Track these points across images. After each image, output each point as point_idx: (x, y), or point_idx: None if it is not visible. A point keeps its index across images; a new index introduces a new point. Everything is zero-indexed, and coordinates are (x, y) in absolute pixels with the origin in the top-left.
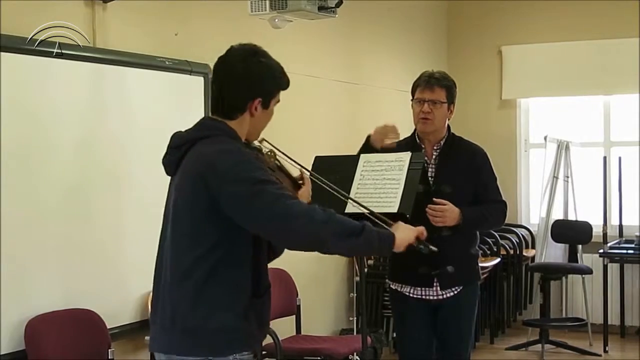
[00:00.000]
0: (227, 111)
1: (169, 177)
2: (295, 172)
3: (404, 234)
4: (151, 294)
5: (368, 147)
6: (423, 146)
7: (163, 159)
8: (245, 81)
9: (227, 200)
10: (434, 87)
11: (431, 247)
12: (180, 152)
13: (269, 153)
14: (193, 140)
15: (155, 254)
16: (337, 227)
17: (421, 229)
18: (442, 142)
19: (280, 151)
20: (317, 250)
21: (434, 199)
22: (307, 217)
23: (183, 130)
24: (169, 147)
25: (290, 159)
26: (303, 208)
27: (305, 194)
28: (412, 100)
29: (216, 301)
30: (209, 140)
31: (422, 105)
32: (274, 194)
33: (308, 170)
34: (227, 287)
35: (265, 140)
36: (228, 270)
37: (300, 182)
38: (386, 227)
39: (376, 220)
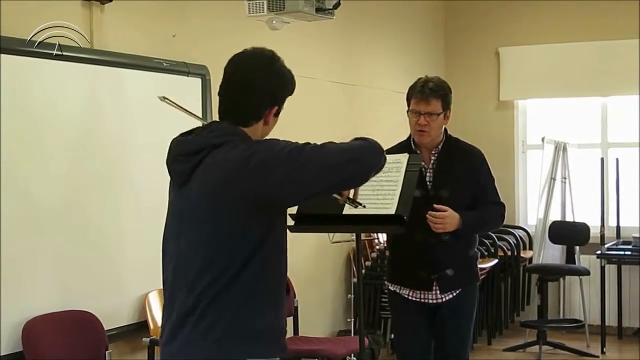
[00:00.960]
0: (242, 118)
1: (166, 182)
2: None
3: None
4: (162, 312)
5: None
6: (419, 152)
7: (171, 167)
8: (265, 91)
9: (283, 181)
10: (429, 99)
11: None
12: (195, 159)
13: None
14: (209, 147)
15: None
16: (368, 143)
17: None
18: (439, 147)
19: None
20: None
21: (435, 205)
22: (357, 152)
23: (179, 134)
24: (178, 154)
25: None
26: (347, 147)
27: None
28: (407, 109)
29: (263, 301)
30: (226, 147)
31: (418, 117)
32: (322, 149)
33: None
34: (271, 289)
35: None
36: (271, 271)
37: None
38: None
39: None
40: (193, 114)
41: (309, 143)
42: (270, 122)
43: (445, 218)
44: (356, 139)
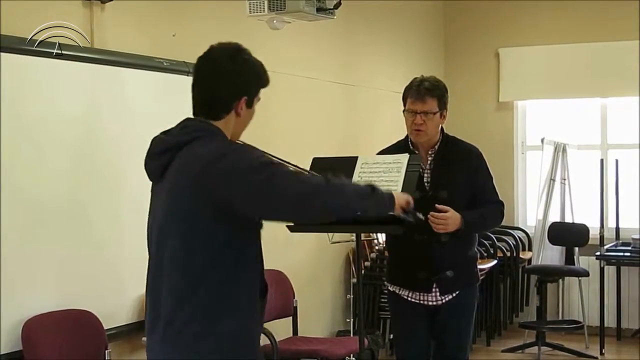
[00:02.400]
0: (213, 111)
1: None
2: None
3: (399, 194)
4: (147, 305)
5: None
6: (417, 151)
7: (146, 165)
8: (232, 81)
9: (242, 194)
10: (425, 98)
11: (418, 214)
12: (167, 157)
13: None
14: (181, 144)
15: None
16: (353, 191)
17: (409, 197)
18: (436, 147)
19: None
20: (339, 216)
21: (436, 205)
22: (325, 190)
23: (161, 133)
24: (151, 152)
25: (278, 158)
26: (320, 181)
27: None
28: (403, 109)
29: (229, 305)
30: (197, 143)
31: (414, 117)
32: (287, 175)
33: (305, 170)
34: (241, 290)
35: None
36: (241, 271)
37: None
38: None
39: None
40: None
41: (281, 163)
42: (243, 114)
43: (447, 219)
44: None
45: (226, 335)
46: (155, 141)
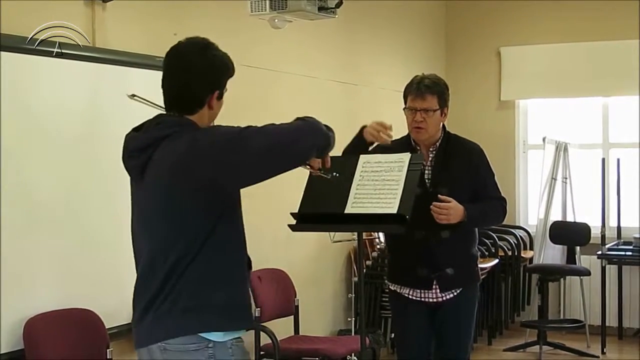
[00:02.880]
0: (187, 107)
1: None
2: None
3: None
4: (135, 294)
5: (360, 138)
6: (418, 148)
7: (125, 163)
8: (204, 76)
9: (224, 169)
10: (425, 95)
11: (334, 174)
12: (146, 154)
13: None
14: (158, 139)
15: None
16: (315, 126)
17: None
18: (437, 144)
19: None
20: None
21: (439, 196)
22: (301, 130)
23: (131, 129)
24: (128, 150)
25: None
26: (293, 127)
27: None
28: (404, 107)
29: (222, 281)
30: (175, 137)
31: (414, 114)
32: (255, 131)
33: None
34: (231, 266)
35: None
36: (229, 248)
37: None
38: None
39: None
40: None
41: (250, 126)
42: (215, 106)
43: (450, 209)
44: (297, 118)
45: (217, 307)
46: (131, 139)
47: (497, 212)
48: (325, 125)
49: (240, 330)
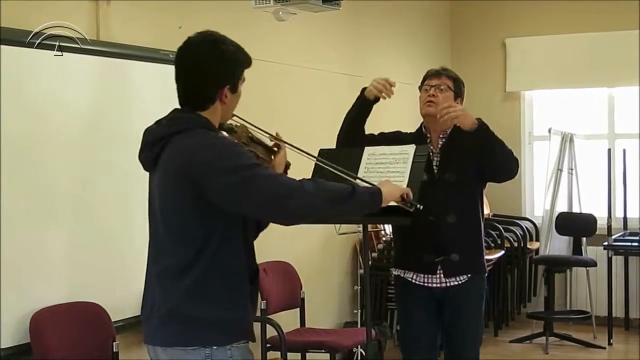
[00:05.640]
0: (198, 103)
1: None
2: (268, 141)
3: (391, 188)
4: (145, 287)
5: (363, 100)
6: (429, 135)
7: (139, 155)
8: (212, 73)
9: (218, 192)
10: (441, 76)
11: (417, 204)
12: (156, 148)
13: (241, 127)
14: (168, 135)
15: None
16: (330, 194)
17: (407, 189)
18: (448, 131)
19: (251, 124)
20: (314, 219)
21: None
22: (300, 192)
23: (153, 124)
24: (143, 142)
25: (265, 131)
26: (295, 184)
27: (281, 159)
28: (420, 86)
29: (216, 293)
30: (185, 135)
31: (428, 91)
32: (264, 177)
33: (310, 155)
34: (227, 278)
35: (236, 115)
36: (226, 259)
37: (276, 148)
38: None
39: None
40: None
41: (260, 164)
42: (228, 100)
43: (458, 108)
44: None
45: (216, 322)
46: (147, 132)
47: (510, 152)
48: (353, 186)
49: (231, 345)
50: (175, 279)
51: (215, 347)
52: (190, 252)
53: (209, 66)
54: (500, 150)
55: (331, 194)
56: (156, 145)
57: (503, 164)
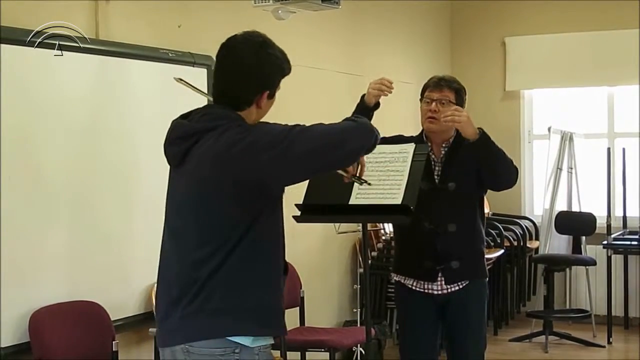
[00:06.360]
0: (234, 103)
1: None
2: None
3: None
4: (157, 289)
5: (363, 107)
6: (430, 144)
7: (166, 149)
8: (255, 77)
9: (272, 170)
10: (442, 88)
11: (366, 180)
12: (188, 142)
13: None
14: (203, 131)
15: (159, 247)
16: (363, 127)
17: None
18: (450, 140)
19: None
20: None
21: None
22: (350, 131)
23: (179, 116)
24: (173, 137)
25: None
26: (340, 126)
27: None
28: (420, 99)
29: (257, 279)
30: (221, 130)
31: (429, 105)
32: (303, 132)
33: None
34: (267, 265)
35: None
36: (265, 250)
37: None
38: None
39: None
40: (207, 94)
41: (298, 125)
42: (264, 106)
43: (462, 111)
44: (347, 119)
45: (249, 310)
46: (175, 125)
47: (510, 162)
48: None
49: (270, 337)
50: (212, 272)
51: (246, 346)
52: (229, 242)
53: (253, 71)
54: (500, 161)
55: (366, 126)
56: (187, 140)
57: (502, 174)
